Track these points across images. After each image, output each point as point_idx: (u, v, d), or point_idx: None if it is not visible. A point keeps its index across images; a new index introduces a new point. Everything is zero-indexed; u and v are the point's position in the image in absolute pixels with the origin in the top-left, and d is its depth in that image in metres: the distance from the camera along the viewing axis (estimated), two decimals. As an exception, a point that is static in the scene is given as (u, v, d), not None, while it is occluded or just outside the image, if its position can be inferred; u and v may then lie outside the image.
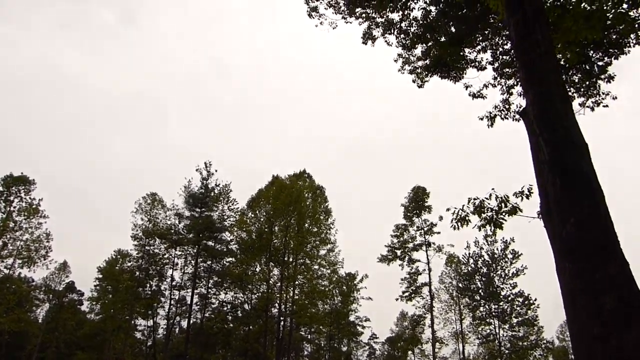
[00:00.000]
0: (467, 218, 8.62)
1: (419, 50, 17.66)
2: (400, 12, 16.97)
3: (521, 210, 8.37)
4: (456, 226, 8.71)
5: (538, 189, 7.30)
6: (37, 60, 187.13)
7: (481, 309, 49.46)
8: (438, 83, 17.65)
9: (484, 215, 8.46)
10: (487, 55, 16.22)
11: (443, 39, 16.18)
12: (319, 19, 18.21)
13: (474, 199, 8.48)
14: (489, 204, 8.46)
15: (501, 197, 8.37)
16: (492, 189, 8.47)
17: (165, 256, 50.03)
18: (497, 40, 15.66)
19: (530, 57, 5.01)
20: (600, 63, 13.47)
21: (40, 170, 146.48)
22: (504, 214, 8.38)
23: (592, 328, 4.69)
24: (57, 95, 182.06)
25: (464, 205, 8.55)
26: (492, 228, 8.46)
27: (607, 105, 14.14)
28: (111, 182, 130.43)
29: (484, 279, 49.48)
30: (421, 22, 16.16)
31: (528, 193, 8.47)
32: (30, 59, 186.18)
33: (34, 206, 44.49)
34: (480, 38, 16.09)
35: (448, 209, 8.82)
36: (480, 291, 49.59)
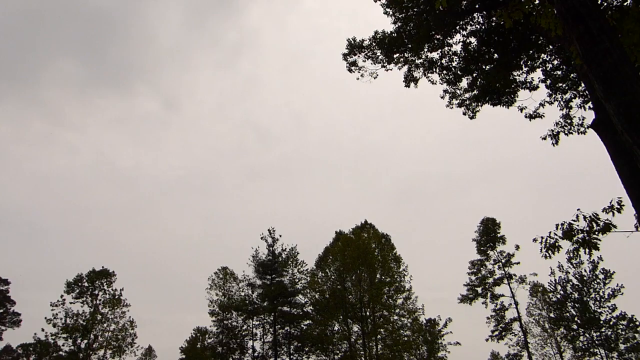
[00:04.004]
0: (557, 244, 8.06)
1: (464, 82, 17.51)
2: (440, 50, 16.99)
3: (615, 227, 7.73)
4: (547, 255, 8.14)
5: (632, 201, 6.76)
6: (95, 159, 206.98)
7: (581, 338, 45.58)
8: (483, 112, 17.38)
9: (575, 239, 7.88)
10: (537, 74, 15.82)
11: (488, 67, 15.96)
12: (359, 72, 18.55)
13: (561, 223, 7.95)
14: (577, 225, 7.90)
15: (590, 216, 7.78)
16: (578, 209, 7.92)
17: (244, 328, 50.19)
18: (544, 57, 15.28)
19: (603, 68, 4.72)
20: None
21: (105, 259, 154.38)
22: (597, 233, 7.77)
23: None
24: (116, 188, 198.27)
25: (551, 232, 8.02)
26: (587, 250, 7.84)
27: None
28: (175, 261, 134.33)
29: (577, 305, 45.89)
30: (462, 54, 16.07)
31: (619, 207, 7.84)
32: (89, 160, 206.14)
33: (116, 297, 46.44)
34: (526, 58, 15.76)
35: (535, 239, 8.29)
36: (576, 319, 45.95)
